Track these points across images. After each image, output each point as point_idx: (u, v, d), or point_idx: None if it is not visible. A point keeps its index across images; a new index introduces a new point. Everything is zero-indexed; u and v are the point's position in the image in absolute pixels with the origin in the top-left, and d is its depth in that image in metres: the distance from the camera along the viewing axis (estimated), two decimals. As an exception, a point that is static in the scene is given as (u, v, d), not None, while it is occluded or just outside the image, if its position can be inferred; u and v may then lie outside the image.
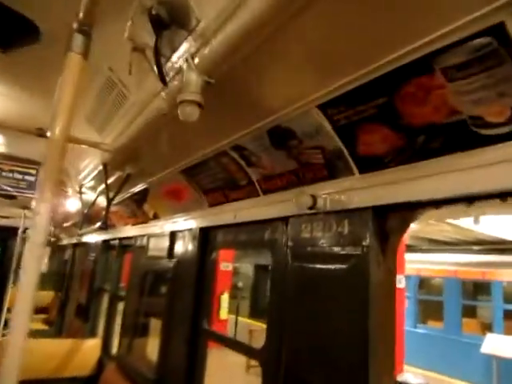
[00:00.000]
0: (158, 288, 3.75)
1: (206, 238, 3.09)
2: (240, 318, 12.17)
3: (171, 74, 1.83)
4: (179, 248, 3.39)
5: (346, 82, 1.56)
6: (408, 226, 1.73)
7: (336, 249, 1.84)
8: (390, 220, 1.77)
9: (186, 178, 3.07)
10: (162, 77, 1.64)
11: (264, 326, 2.18)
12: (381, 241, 1.77)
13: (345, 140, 1.79)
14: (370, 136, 1.69)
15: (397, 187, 1.68)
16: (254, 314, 15.65)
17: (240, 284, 13.35)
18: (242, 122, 2.11)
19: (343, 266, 1.77)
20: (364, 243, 1.75)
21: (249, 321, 13.91)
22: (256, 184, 2.46)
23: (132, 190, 4.01)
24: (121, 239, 4.97)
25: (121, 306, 4.42)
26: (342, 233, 1.84)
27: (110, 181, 3.66)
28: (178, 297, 3.14)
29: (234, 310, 11.96)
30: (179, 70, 1.71)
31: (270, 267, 2.29)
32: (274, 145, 2.11)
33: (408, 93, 1.40)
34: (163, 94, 1.96)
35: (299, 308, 1.92)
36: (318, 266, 1.92)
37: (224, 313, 10.07)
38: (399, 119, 1.48)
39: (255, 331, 9.44)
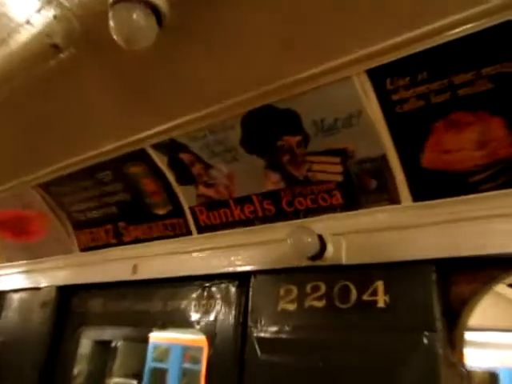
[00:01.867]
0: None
1: (66, 305, 2.42)
2: None
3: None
4: (11, 320, 2.61)
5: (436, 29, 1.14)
6: (487, 291, 1.33)
7: (358, 339, 1.37)
8: (461, 283, 1.34)
9: (45, 198, 2.38)
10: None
11: None
12: (448, 320, 1.30)
13: (402, 140, 1.36)
14: (456, 135, 1.25)
15: (487, 226, 1.26)
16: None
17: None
18: (184, 94, 1.57)
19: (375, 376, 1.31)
20: (421, 327, 1.29)
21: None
22: (188, 214, 1.93)
23: None
24: None
25: None
26: (371, 307, 1.38)
27: None
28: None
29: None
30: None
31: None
32: (246, 144, 1.61)
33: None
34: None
35: None
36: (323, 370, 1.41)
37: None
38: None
39: None
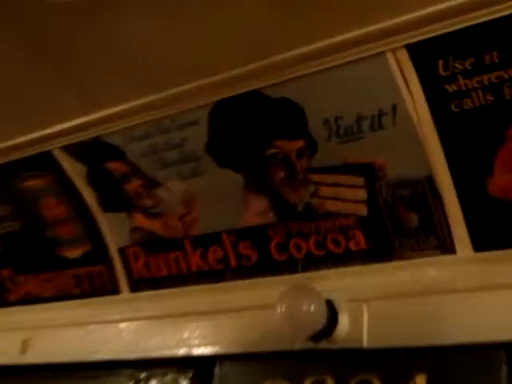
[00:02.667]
0: None
1: None
2: None
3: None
4: None
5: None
6: None
7: None
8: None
9: None
10: None
11: None
12: None
13: (459, 153, 1.12)
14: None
15: None
16: None
17: None
18: (118, 70, 1.25)
19: None
20: None
21: None
22: (115, 259, 1.61)
23: None
24: None
25: None
26: None
27: None
28: None
29: None
30: None
31: None
32: (216, 150, 1.34)
33: None
34: None
35: None
36: None
37: None
38: None
39: None
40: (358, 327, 1.26)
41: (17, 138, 1.63)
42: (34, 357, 1.81)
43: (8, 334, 1.92)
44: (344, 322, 1.25)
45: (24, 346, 1.81)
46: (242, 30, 1.22)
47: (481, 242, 1.21)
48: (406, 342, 1.24)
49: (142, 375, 1.61)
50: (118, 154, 1.53)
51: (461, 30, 1.05)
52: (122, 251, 1.68)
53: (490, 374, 1.18)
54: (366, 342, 1.26)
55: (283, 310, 1.23)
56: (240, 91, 1.31)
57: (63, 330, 1.78)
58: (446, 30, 1.06)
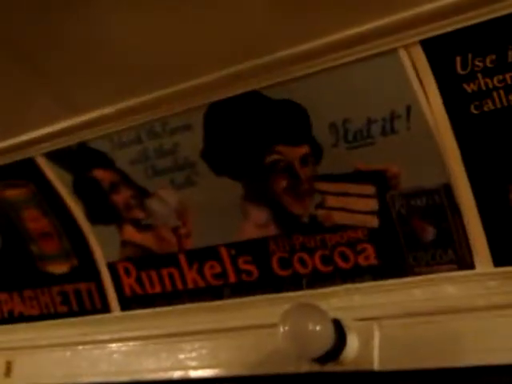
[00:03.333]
0: None
1: None
2: None
3: None
4: None
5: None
6: None
7: None
8: None
9: None
10: None
11: None
12: None
13: (479, 160, 1.06)
14: None
15: None
16: None
17: None
18: (104, 69, 1.21)
19: None
20: None
21: None
22: (105, 276, 1.53)
23: None
24: None
25: None
26: None
27: None
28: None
29: None
30: None
31: None
32: (212, 157, 1.28)
33: None
34: None
35: None
36: None
37: None
38: None
39: None
40: (368, 349, 1.21)
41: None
42: (18, 380, 1.78)
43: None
44: (353, 342, 1.20)
45: (7, 369, 1.77)
46: (240, 25, 1.14)
47: (502, 257, 1.15)
48: (420, 365, 1.18)
49: (135, 399, 1.53)
50: (105, 161, 1.40)
51: (481, 23, 0.98)
52: (111, 266, 1.61)
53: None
54: (376, 365, 1.20)
55: (287, 329, 1.18)
56: (237, 92, 1.25)
57: (49, 351, 1.73)
58: (464, 24, 1.00)
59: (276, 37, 1.16)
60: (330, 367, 1.22)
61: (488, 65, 1.03)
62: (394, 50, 1.07)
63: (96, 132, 1.40)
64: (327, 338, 1.16)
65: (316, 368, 1.23)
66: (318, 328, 1.15)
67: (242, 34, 1.17)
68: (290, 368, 1.26)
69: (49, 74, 1.30)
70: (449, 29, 1.01)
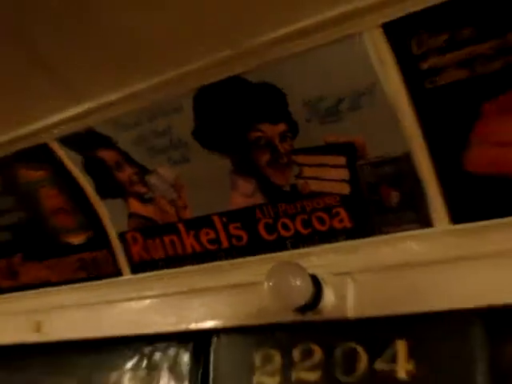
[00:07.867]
0: None
1: None
2: None
3: None
4: None
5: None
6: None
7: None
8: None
9: None
10: None
11: None
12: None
13: (436, 129, 1.17)
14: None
15: None
16: None
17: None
18: (105, 59, 1.29)
19: None
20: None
21: None
22: (115, 244, 1.68)
23: None
24: None
25: None
26: (388, 379, 1.22)
27: None
28: None
29: None
30: None
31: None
32: (202, 135, 1.39)
33: None
34: None
35: None
36: None
37: None
38: None
39: None
40: (343, 299, 1.33)
41: (12, 131, 1.58)
42: (47, 336, 1.89)
43: (21, 316, 1.99)
44: (329, 294, 1.31)
45: (37, 327, 1.90)
46: (218, 14, 1.18)
47: (458, 216, 1.24)
48: (388, 312, 1.30)
49: (146, 349, 1.67)
50: (110, 143, 1.53)
51: (435, 6, 1.05)
52: (121, 236, 1.73)
53: (465, 338, 1.24)
54: (350, 313, 1.32)
55: (271, 284, 1.30)
56: (222, 76, 1.31)
57: (72, 310, 1.86)
58: (419, 7, 1.06)
59: (252, 25, 1.21)
60: (309, 316, 1.35)
61: (441, 44, 1.11)
62: (359, 34, 1.15)
63: (100, 117, 1.46)
64: (306, 291, 1.28)
65: (298, 317, 1.36)
66: (298, 282, 1.27)
67: (221, 23, 1.20)
68: (277, 318, 1.39)
69: (56, 69, 1.34)
70: (407, 11, 1.07)
